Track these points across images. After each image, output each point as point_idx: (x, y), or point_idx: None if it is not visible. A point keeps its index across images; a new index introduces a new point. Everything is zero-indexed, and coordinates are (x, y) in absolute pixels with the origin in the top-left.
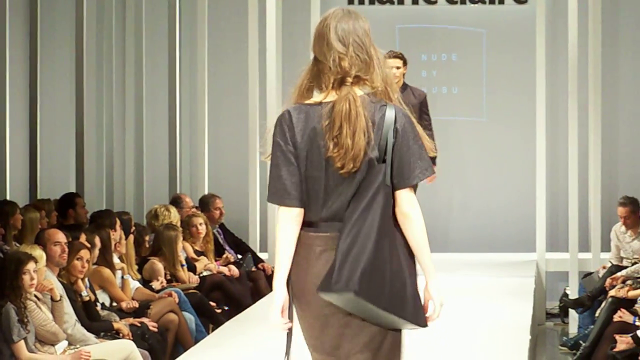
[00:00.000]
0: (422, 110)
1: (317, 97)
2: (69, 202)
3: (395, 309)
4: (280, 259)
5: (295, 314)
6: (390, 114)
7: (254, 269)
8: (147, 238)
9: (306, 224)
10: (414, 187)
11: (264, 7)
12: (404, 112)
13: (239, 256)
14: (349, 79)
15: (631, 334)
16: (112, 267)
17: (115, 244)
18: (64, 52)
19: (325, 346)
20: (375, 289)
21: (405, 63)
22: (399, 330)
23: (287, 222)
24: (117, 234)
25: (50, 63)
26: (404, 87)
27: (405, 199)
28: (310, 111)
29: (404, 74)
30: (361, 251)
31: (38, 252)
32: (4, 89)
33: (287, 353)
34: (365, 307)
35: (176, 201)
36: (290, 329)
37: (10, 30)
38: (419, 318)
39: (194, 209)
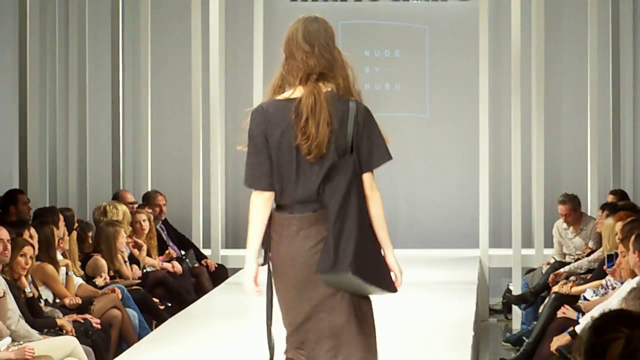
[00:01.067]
0: None
1: (287, 93)
2: (11, 198)
3: (378, 282)
4: (252, 234)
5: (274, 288)
6: (352, 107)
7: (196, 265)
8: (89, 234)
9: (281, 207)
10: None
11: (208, 2)
12: (363, 106)
13: (182, 252)
14: (314, 76)
15: (569, 330)
16: (55, 264)
17: (58, 241)
18: (6, 48)
19: (300, 315)
20: (364, 267)
21: None
22: (368, 297)
23: (260, 203)
24: (60, 231)
25: None
26: None
27: (367, 181)
28: (280, 106)
29: None
30: (349, 236)
31: None
32: None
33: (269, 331)
34: (357, 283)
35: (117, 197)
36: (270, 304)
37: None
38: (392, 286)
39: (138, 206)
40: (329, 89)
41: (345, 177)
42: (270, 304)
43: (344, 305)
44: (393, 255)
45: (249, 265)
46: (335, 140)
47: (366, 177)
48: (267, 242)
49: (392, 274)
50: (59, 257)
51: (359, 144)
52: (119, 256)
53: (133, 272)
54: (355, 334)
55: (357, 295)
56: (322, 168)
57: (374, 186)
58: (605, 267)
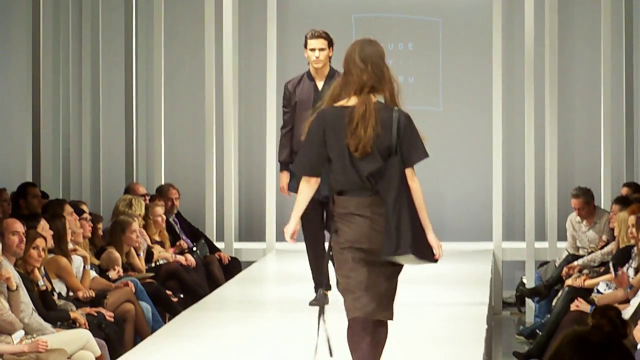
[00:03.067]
0: None
1: (343, 101)
2: (21, 191)
3: (427, 257)
4: (298, 207)
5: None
6: (395, 116)
7: (208, 254)
8: (100, 227)
9: (341, 193)
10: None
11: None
12: (405, 113)
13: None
14: (366, 88)
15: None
16: (67, 256)
17: (72, 233)
18: (20, 42)
19: (354, 281)
20: (419, 247)
21: (331, 44)
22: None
23: (305, 185)
24: (73, 224)
25: (6, 52)
26: (332, 74)
27: (409, 175)
28: (337, 111)
29: (330, 57)
30: (405, 222)
31: None
32: None
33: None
34: (412, 259)
35: (128, 190)
36: (327, 260)
37: None
38: (433, 258)
39: (151, 199)
40: (378, 100)
41: (396, 174)
42: (327, 260)
43: (389, 270)
44: (432, 233)
45: (292, 224)
46: (378, 142)
47: (408, 171)
48: (331, 217)
49: (434, 248)
50: (74, 249)
51: (401, 145)
52: (132, 249)
53: (142, 263)
54: (387, 288)
55: (395, 265)
56: (368, 163)
57: (415, 178)
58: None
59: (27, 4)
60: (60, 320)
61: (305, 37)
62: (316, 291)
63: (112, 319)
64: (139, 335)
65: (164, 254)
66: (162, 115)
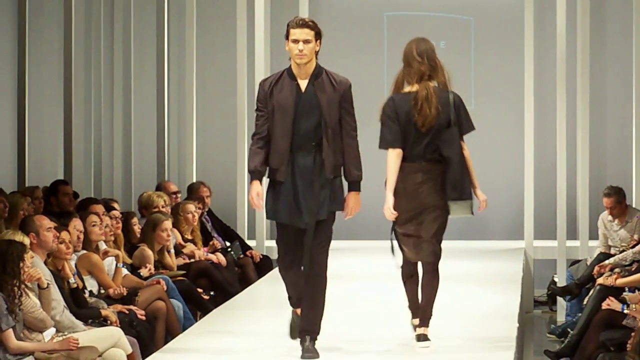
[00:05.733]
0: (342, 107)
1: (406, 88)
2: (52, 189)
3: (473, 208)
4: (390, 177)
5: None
6: (450, 97)
7: (241, 256)
8: (134, 222)
9: (407, 159)
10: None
11: None
12: (457, 95)
13: (227, 243)
14: (425, 77)
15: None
16: (98, 254)
17: (104, 232)
18: (52, 39)
19: (408, 223)
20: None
21: (319, 36)
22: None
23: (394, 156)
24: (105, 221)
25: (39, 49)
26: (318, 72)
27: (463, 142)
28: (404, 97)
29: (316, 53)
30: (466, 177)
31: (20, 238)
32: None
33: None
34: (467, 206)
35: (159, 188)
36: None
37: None
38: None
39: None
40: (435, 84)
41: (455, 140)
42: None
43: (436, 215)
44: (479, 187)
45: (389, 199)
46: (439, 117)
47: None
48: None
49: (482, 201)
50: (103, 246)
51: (457, 119)
52: (164, 247)
53: (173, 261)
54: (435, 230)
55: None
56: (430, 135)
57: (465, 145)
58: None
59: (59, 3)
60: (92, 317)
61: (288, 25)
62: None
63: (144, 317)
64: (170, 333)
65: (195, 252)
66: (193, 113)
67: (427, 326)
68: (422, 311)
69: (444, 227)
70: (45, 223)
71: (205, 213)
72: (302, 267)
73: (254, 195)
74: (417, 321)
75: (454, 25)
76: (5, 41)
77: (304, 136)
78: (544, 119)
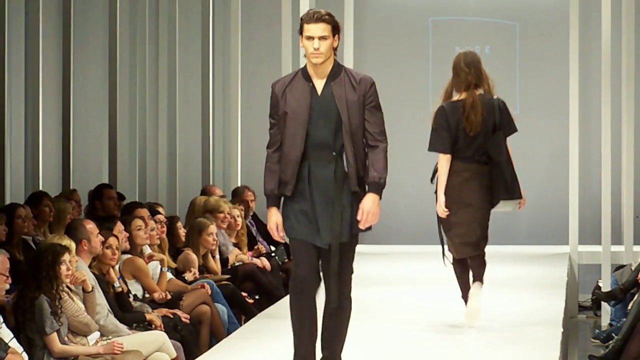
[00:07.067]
0: (365, 109)
1: (455, 96)
2: (97, 193)
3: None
4: (442, 179)
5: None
6: (495, 103)
7: (286, 260)
8: (178, 226)
9: (458, 160)
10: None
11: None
12: (501, 101)
13: (272, 248)
14: (471, 85)
15: None
16: (143, 258)
17: (149, 235)
18: (97, 42)
19: (454, 220)
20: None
21: (336, 30)
22: None
23: (444, 161)
24: (150, 225)
25: (84, 54)
26: (336, 72)
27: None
28: (453, 104)
29: (335, 49)
30: (514, 176)
31: (67, 242)
32: (37, 81)
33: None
34: (515, 204)
35: (205, 192)
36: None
37: (43, 22)
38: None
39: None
40: (480, 92)
41: (502, 143)
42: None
43: (478, 212)
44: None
45: (441, 199)
46: (484, 122)
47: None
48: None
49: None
50: (148, 250)
51: (501, 123)
52: (208, 251)
53: (218, 265)
54: (479, 227)
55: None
56: (479, 139)
57: (508, 146)
58: None
59: (104, 8)
60: (136, 322)
61: (301, 20)
62: None
63: (188, 321)
64: (215, 337)
65: (241, 256)
66: (238, 117)
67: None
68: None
69: (486, 223)
70: (94, 228)
71: (250, 217)
72: (314, 297)
73: (272, 226)
74: (469, 310)
75: (499, 31)
76: (51, 47)
77: (320, 144)
78: (588, 124)
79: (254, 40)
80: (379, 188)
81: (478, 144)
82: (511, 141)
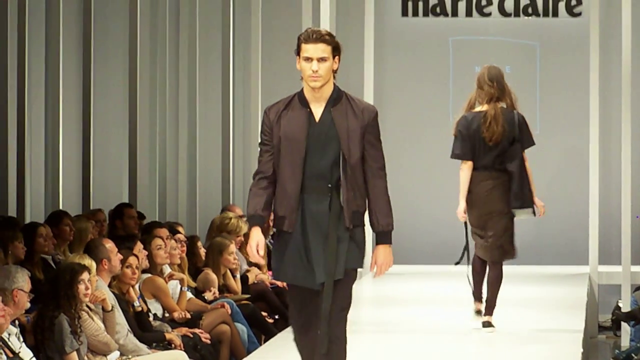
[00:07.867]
0: (366, 140)
1: (477, 108)
2: (117, 212)
3: (532, 214)
4: (463, 187)
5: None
6: (515, 117)
7: None
8: (199, 245)
9: (478, 169)
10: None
11: (318, 9)
12: (521, 115)
13: None
14: (494, 98)
15: None
16: (163, 278)
17: (169, 255)
18: (117, 61)
19: (479, 225)
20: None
21: (337, 51)
22: None
23: (466, 168)
24: (170, 244)
25: (104, 73)
26: (336, 96)
27: (524, 155)
28: (475, 115)
29: (334, 72)
30: (527, 186)
31: (88, 262)
32: (57, 100)
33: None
34: (528, 211)
35: (224, 211)
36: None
37: (63, 40)
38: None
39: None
40: (502, 105)
41: (518, 154)
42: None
43: (502, 219)
44: (536, 195)
45: (462, 204)
46: (504, 134)
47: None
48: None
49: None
50: (168, 270)
51: (520, 136)
52: (228, 271)
53: (238, 285)
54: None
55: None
56: (497, 149)
57: (526, 157)
58: None
59: (124, 26)
60: (156, 341)
61: (299, 39)
62: None
63: (208, 340)
64: (235, 357)
65: (260, 276)
66: (258, 136)
67: (492, 315)
68: (487, 303)
69: (511, 228)
70: (113, 247)
71: (270, 237)
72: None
73: (252, 245)
74: (479, 305)
75: (520, 51)
76: (71, 65)
77: (317, 176)
78: (609, 143)
79: (274, 57)
80: (389, 236)
81: (496, 154)
82: (531, 161)
